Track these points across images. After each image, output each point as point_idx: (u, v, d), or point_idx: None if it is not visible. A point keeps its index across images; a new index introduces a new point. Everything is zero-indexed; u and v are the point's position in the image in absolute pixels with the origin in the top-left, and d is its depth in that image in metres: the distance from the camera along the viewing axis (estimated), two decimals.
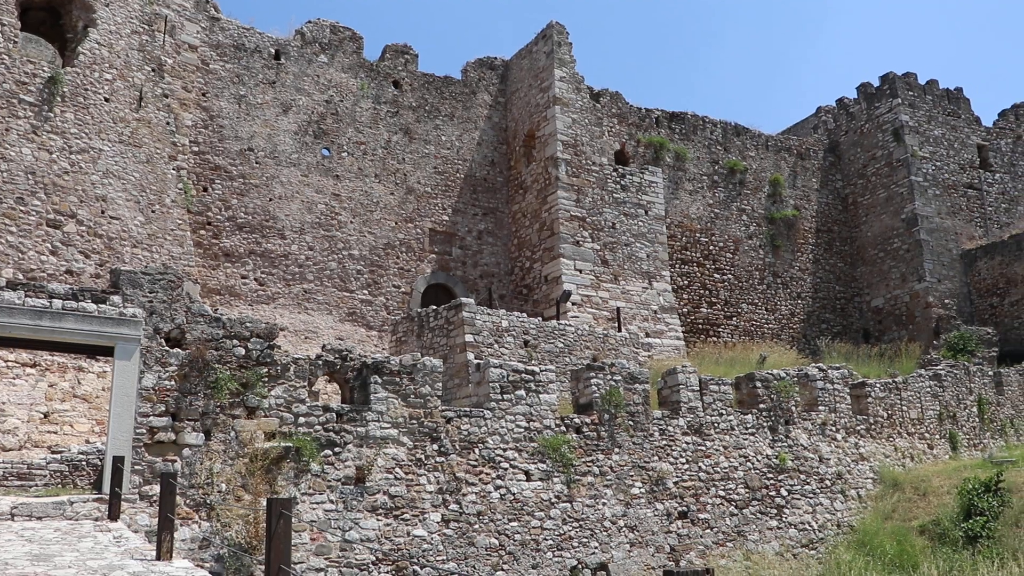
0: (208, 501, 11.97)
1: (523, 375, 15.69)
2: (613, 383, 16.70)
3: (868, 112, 39.82)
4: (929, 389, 24.38)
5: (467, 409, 15.12)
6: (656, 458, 16.98)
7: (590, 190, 29.67)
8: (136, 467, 11.71)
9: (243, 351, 12.89)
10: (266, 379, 12.94)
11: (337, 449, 13.31)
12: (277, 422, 12.90)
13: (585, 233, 28.81)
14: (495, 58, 33.79)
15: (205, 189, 26.51)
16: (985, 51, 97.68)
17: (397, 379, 14.20)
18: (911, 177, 37.53)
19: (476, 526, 14.31)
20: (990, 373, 27.84)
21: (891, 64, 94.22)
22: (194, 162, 26.38)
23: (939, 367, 26.09)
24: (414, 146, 30.81)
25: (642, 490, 16.52)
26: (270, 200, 27.47)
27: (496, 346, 21.80)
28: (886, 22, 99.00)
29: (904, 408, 23.26)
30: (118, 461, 11.21)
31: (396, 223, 29.77)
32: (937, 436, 24.04)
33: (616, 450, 16.41)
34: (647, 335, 28.08)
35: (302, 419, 13.14)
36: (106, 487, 11.46)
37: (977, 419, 25.89)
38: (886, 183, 38.61)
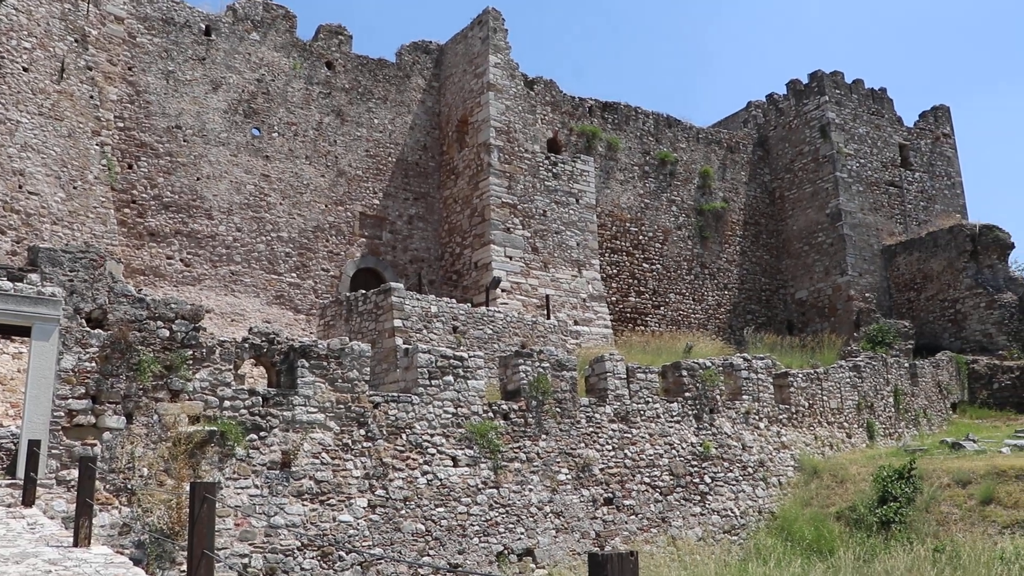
0: (129, 486, 11.74)
1: (451, 361, 15.69)
2: (541, 370, 16.80)
3: (797, 108, 40.57)
4: (849, 380, 25.02)
5: (395, 394, 15.08)
6: (583, 445, 17.15)
7: (522, 177, 29.72)
8: (53, 451, 11.41)
9: (167, 333, 12.64)
10: (191, 362, 12.72)
11: (263, 433, 13.15)
12: (202, 405, 12.70)
13: (516, 220, 28.87)
14: (430, 42, 33.58)
15: (130, 166, 25.89)
16: (908, 53, 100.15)
17: (325, 363, 14.08)
18: (836, 173, 38.38)
19: (403, 511, 14.29)
20: (906, 365, 28.68)
21: (820, 62, 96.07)
22: (119, 138, 25.74)
23: (859, 359, 26.78)
24: (346, 128, 30.48)
25: (568, 476, 16.68)
26: (198, 179, 26.95)
27: (425, 331, 21.76)
28: (816, 20, 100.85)
29: (825, 398, 23.83)
30: (34, 445, 10.90)
31: (326, 206, 29.45)
32: (855, 425, 24.69)
33: (543, 437, 16.53)
34: (576, 323, 28.28)
35: (227, 403, 12.95)
36: (20, 472, 11.15)
37: (893, 409, 26.66)
38: (812, 178, 39.41)
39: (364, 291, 23.26)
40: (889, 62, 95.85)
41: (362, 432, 14.23)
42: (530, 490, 16.00)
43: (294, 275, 28.23)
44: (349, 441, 14.05)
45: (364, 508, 13.87)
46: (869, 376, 25.99)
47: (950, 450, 22.66)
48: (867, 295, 37.69)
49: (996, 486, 18.08)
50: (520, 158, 29.96)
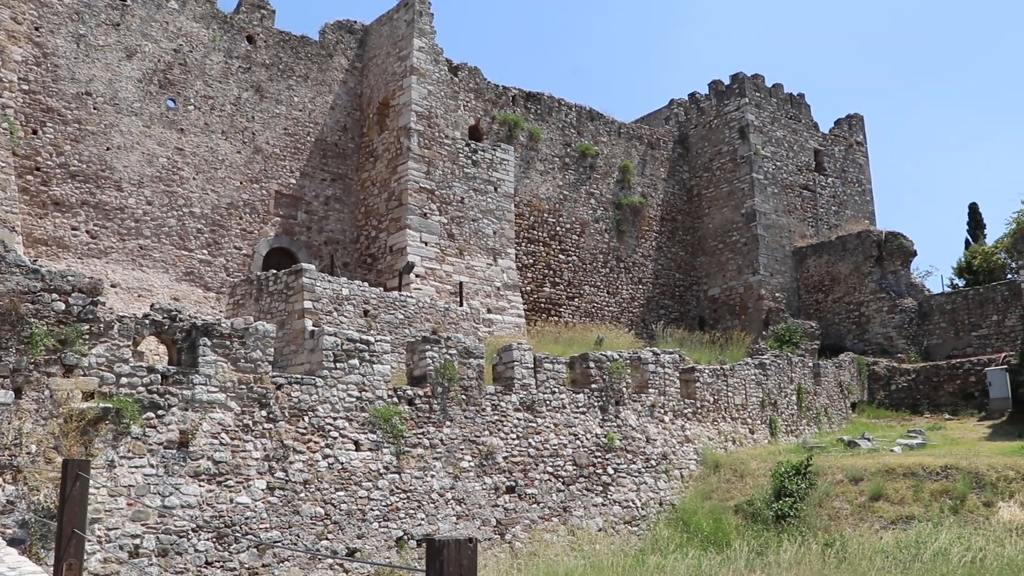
0: (15, 463, 11.39)
1: (357, 344, 15.58)
2: (448, 356, 16.79)
3: (717, 108, 41.22)
4: (754, 377, 25.57)
5: (298, 376, 14.91)
6: (487, 433, 17.20)
7: (441, 163, 29.61)
8: None
9: (63, 306, 12.26)
10: (87, 336, 12.37)
11: (160, 412, 12.87)
12: (97, 382, 12.36)
13: (433, 206, 28.76)
14: (355, 22, 33.17)
15: (35, 132, 25.02)
16: (826, 61, 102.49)
17: (228, 342, 13.85)
18: (752, 174, 39.13)
19: (302, 494, 14.16)
20: (810, 364, 29.45)
21: (742, 64, 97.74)
22: (23, 101, 24.84)
23: (765, 357, 27.38)
24: (265, 105, 29.96)
25: (471, 464, 16.72)
26: (107, 149, 26.19)
27: (335, 314, 21.57)
28: (740, 23, 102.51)
29: (730, 394, 24.32)
30: None
31: (241, 183, 28.93)
32: (759, 421, 25.26)
33: (448, 423, 16.53)
34: (489, 311, 28.34)
35: (124, 380, 12.63)
36: None
37: (796, 407, 27.35)
38: (729, 178, 40.12)
39: (275, 271, 22.95)
40: (808, 68, 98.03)
41: (263, 413, 14.04)
42: (432, 476, 16.01)
43: (205, 252, 27.69)
44: (250, 422, 13.86)
45: (263, 490, 13.70)
46: (774, 374, 26.61)
47: (846, 448, 23.36)
48: (777, 295, 38.57)
49: (885, 483, 18.73)
50: (440, 144, 29.84)
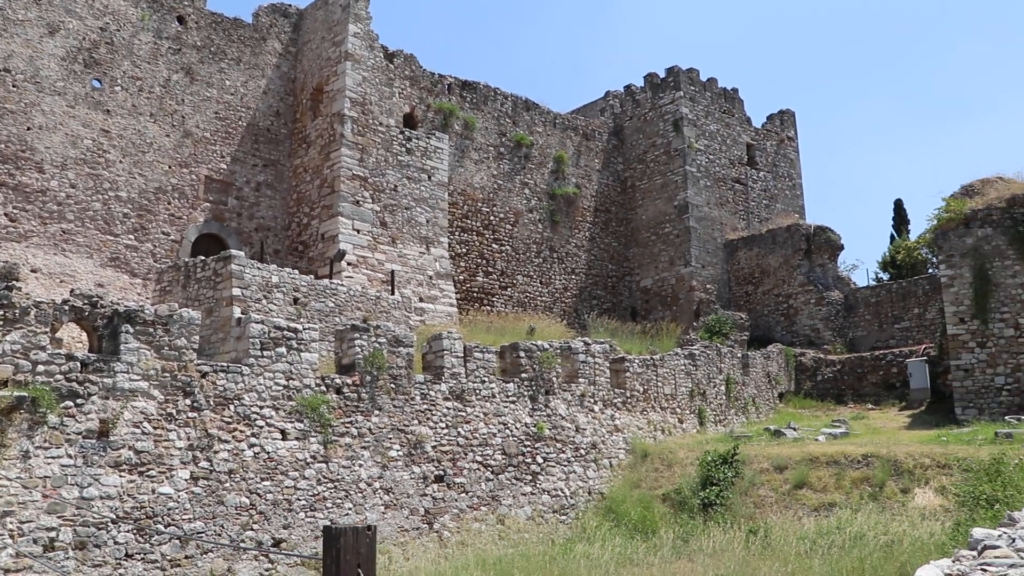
0: None
1: (285, 332, 15.40)
2: (377, 345, 16.68)
3: (652, 101, 41.52)
4: (683, 367, 25.87)
5: (224, 364, 14.69)
6: (416, 422, 17.14)
7: (375, 150, 29.34)
8: None
9: None
10: (1, 323, 12.03)
11: (80, 401, 12.57)
12: (11, 369, 12.01)
13: (366, 193, 28.49)
14: (289, 5, 32.64)
15: None
16: (759, 57, 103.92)
17: (151, 330, 13.57)
18: (686, 167, 39.53)
19: (227, 484, 13.97)
20: (739, 355, 29.90)
21: (677, 58, 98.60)
22: None
23: (694, 347, 27.71)
24: (195, 88, 29.34)
25: (400, 453, 16.65)
26: (28, 129, 25.41)
27: (265, 302, 21.28)
28: (676, 16, 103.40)
29: (659, 384, 24.57)
30: None
31: (170, 167, 28.32)
32: (688, 411, 25.57)
33: (376, 412, 16.44)
34: (421, 300, 28.21)
35: (41, 367, 12.30)
36: None
37: (724, 397, 27.76)
38: (663, 170, 40.47)
39: (204, 257, 22.55)
40: (742, 64, 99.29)
41: (188, 402, 13.81)
42: (360, 465, 15.91)
43: (132, 237, 27.07)
44: (173, 411, 13.61)
45: (186, 480, 13.48)
46: (703, 364, 26.96)
47: (772, 437, 23.78)
48: (708, 286, 39.08)
49: (809, 472, 19.12)
50: (374, 131, 29.57)
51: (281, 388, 15.11)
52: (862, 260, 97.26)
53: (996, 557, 7.73)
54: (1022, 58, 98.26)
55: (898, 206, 50.27)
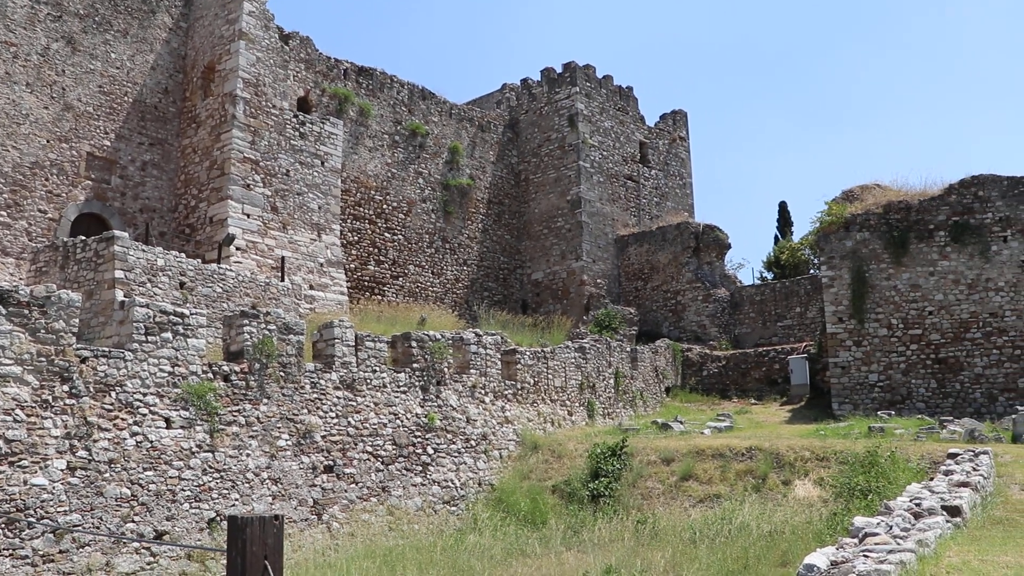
0: None
1: (171, 317, 14.86)
2: (267, 332, 16.28)
3: (549, 95, 41.76)
4: (574, 360, 26.11)
5: (106, 349, 14.08)
6: (305, 411, 16.81)
7: (267, 133, 28.63)
8: None
9: None
10: None
11: None
12: None
13: (257, 177, 27.77)
14: None
15: None
16: (654, 56, 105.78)
17: (26, 311, 12.89)
18: (580, 162, 39.91)
19: (107, 475, 13.39)
20: (628, 349, 30.36)
21: (574, 53, 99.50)
22: None
23: (584, 341, 28.02)
24: (77, 59, 28.04)
25: (289, 443, 16.30)
26: None
27: (149, 285, 20.55)
28: (574, 12, 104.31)
29: (550, 376, 24.74)
30: None
31: (48, 141, 27.01)
32: (577, 404, 25.83)
33: (265, 401, 16.04)
34: (311, 287, 27.70)
35: None
36: None
37: (613, 390, 28.13)
38: (557, 164, 40.77)
39: (84, 237, 21.63)
40: (637, 63, 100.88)
41: (65, 388, 13.18)
42: (247, 455, 15.50)
43: (4, 214, 25.73)
44: (49, 397, 12.97)
45: (62, 471, 12.86)
46: (593, 358, 27.26)
47: (660, 430, 24.23)
48: (599, 281, 39.57)
49: (695, 464, 19.55)
50: (267, 113, 28.84)
51: (166, 375, 14.58)
52: (748, 259, 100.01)
53: (876, 543, 8.08)
54: (903, 70, 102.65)
55: (783, 208, 51.89)
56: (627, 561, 14.36)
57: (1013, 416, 20.82)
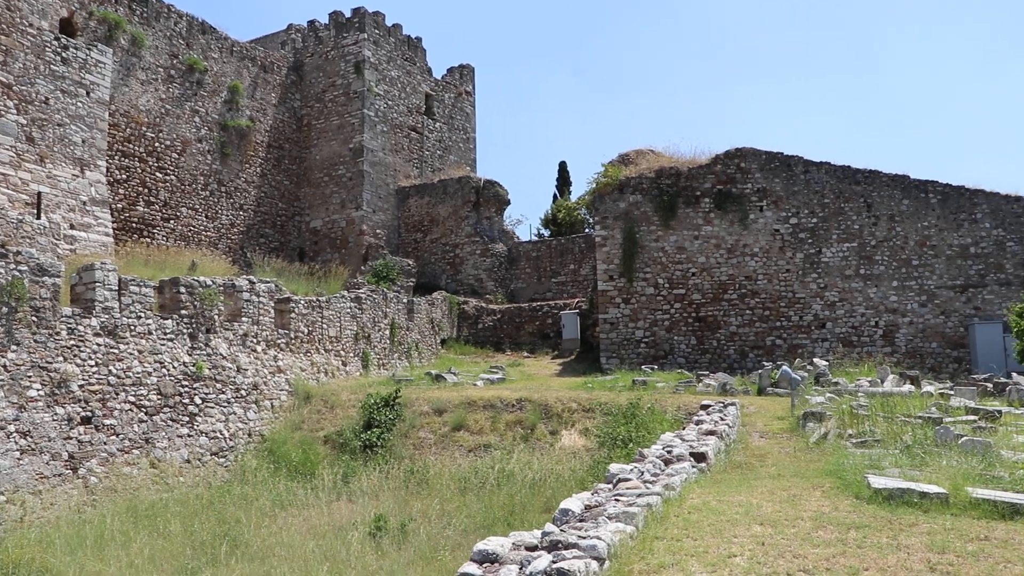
0: None
1: None
2: (17, 273, 15.12)
3: (336, 40, 40.75)
4: (349, 310, 25.91)
5: None
6: (61, 359, 15.79)
7: (22, 55, 26.21)
8: None
9: None
10: None
11: None
12: None
13: (10, 103, 25.44)
14: None
15: None
16: (443, 7, 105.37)
17: None
18: (364, 110, 39.31)
19: None
20: (404, 301, 30.43)
21: None
22: None
23: (361, 291, 27.83)
24: None
25: (41, 392, 15.28)
26: None
27: None
28: None
29: (325, 326, 24.44)
30: None
31: None
32: (352, 354, 25.68)
33: (14, 347, 14.93)
34: (72, 227, 25.87)
35: None
36: None
37: (389, 341, 28.16)
38: (341, 111, 39.98)
39: None
40: (426, 13, 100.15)
41: None
42: None
43: None
44: None
45: None
46: (369, 308, 27.14)
47: (433, 382, 24.52)
48: (378, 231, 39.32)
49: (466, 415, 19.97)
50: (22, 32, 26.39)
51: None
52: (527, 216, 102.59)
53: (628, 488, 8.60)
54: (677, 42, 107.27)
55: (562, 168, 53.29)
56: (397, 510, 14.53)
57: (759, 371, 22.49)
